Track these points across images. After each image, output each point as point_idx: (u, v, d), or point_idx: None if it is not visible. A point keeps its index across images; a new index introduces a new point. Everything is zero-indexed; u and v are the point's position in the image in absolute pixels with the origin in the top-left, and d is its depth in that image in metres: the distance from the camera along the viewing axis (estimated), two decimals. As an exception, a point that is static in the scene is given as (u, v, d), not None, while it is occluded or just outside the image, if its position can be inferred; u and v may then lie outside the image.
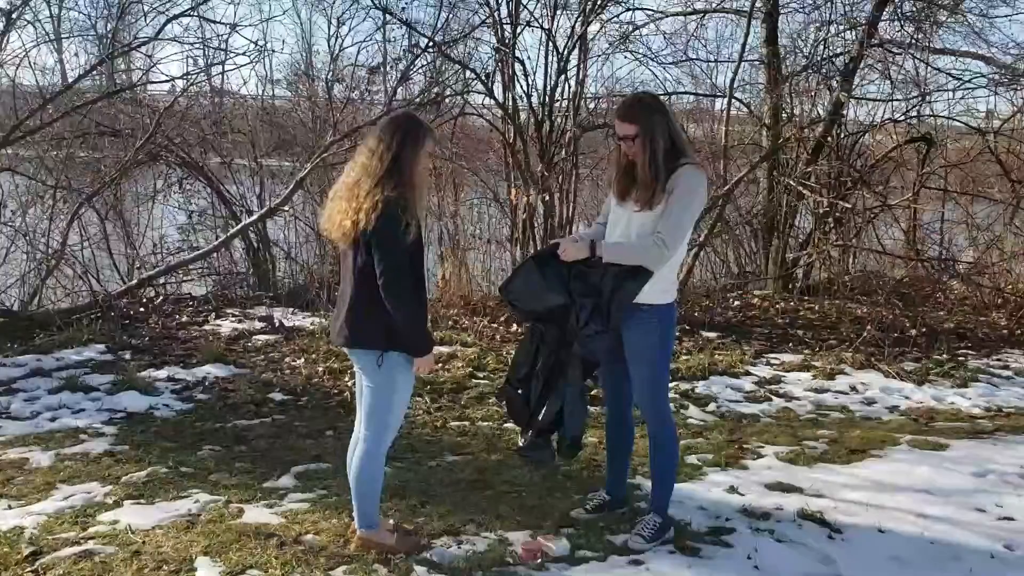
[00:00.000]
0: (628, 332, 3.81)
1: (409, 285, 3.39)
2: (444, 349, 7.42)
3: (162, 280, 9.50)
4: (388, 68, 10.76)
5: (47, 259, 8.83)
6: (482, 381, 6.65)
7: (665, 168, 3.60)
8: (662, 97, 11.12)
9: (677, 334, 8.26)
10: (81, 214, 9.37)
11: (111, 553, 3.65)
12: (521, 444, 3.82)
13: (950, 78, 10.66)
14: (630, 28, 10.42)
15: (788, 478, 4.80)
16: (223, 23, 10.46)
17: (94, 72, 9.84)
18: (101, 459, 4.90)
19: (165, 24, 9.04)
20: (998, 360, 8.03)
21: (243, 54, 13.36)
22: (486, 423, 5.76)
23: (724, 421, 6.08)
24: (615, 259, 3.67)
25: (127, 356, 7.06)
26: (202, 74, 10.82)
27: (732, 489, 4.61)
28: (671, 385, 6.70)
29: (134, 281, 9.05)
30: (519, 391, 3.83)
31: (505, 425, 5.72)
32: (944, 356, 8.00)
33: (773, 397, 6.68)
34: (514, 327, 8.30)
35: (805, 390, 6.88)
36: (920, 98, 10.60)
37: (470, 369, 6.88)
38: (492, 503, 4.33)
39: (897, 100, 10.78)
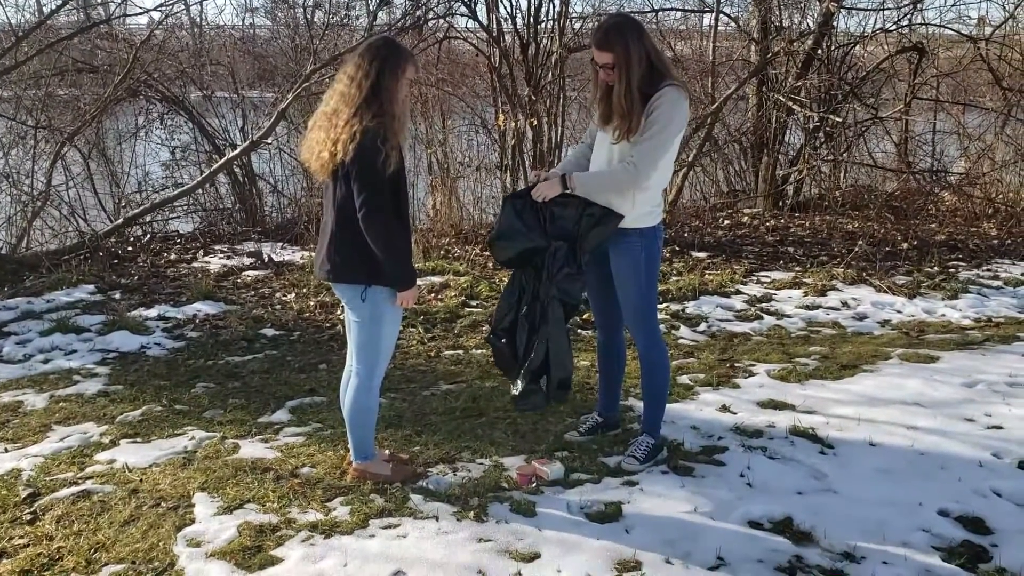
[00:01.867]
0: (615, 257, 3.79)
1: (390, 217, 3.33)
2: (436, 279, 7.41)
3: (148, 218, 9.44)
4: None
5: (32, 201, 8.73)
6: (475, 309, 6.64)
7: (643, 95, 3.52)
8: (647, 15, 10.95)
9: (667, 255, 8.27)
10: (64, 154, 9.23)
11: (109, 492, 3.68)
12: (514, 393, 3.82)
13: (942, -15, 10.46)
14: (615, -57, 10.15)
15: (780, 395, 4.84)
16: (196, -49, 10.14)
17: (68, 6, 9.58)
18: (95, 399, 4.91)
19: (137, -47, 8.78)
20: (988, 270, 8.05)
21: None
22: (479, 351, 5.77)
23: (715, 340, 6.10)
24: (587, 190, 3.64)
25: (117, 296, 7.04)
26: (178, 4, 10.54)
27: (724, 408, 4.65)
28: (662, 306, 6.74)
29: (120, 220, 8.96)
30: (503, 340, 3.81)
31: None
32: (935, 268, 8.03)
33: (764, 315, 6.70)
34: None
35: (796, 307, 6.90)
36: (911, 6, 10.40)
37: (463, 298, 6.87)
38: (486, 430, 4.36)
39: (888, 9, 10.59)
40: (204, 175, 9.40)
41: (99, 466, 3.98)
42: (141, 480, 3.80)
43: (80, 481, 3.80)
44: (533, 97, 8.84)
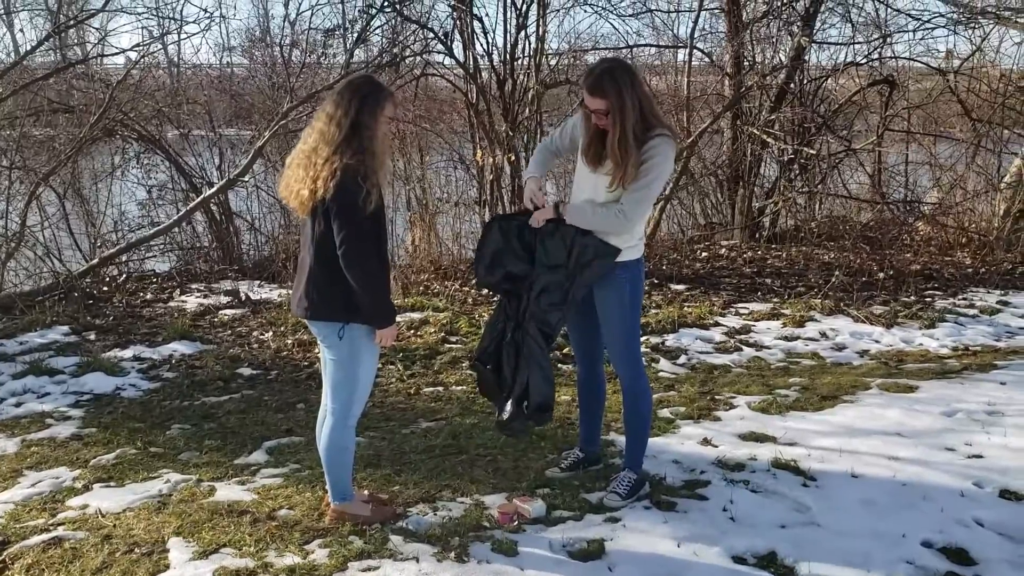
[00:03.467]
0: (599, 290, 3.79)
1: (370, 255, 3.31)
2: (416, 315, 7.37)
3: (124, 257, 9.36)
4: (345, 30, 10.56)
5: (7, 241, 8.63)
6: (455, 345, 6.61)
7: (636, 142, 3.52)
8: (623, 50, 11.08)
9: (646, 288, 8.27)
10: (39, 194, 9.15)
11: (81, 538, 3.60)
12: (500, 419, 3.79)
13: (910, 19, 10.68)
14: (589, -19, 10.28)
15: (761, 427, 4.82)
16: (173, -8, 10.17)
17: (44, 46, 9.57)
18: (68, 443, 4.82)
19: (114, -7, 8.79)
20: (964, 299, 8.12)
21: (194, 22, 13.02)
22: (460, 387, 5.73)
23: (695, 373, 6.10)
24: (576, 222, 3.65)
25: (92, 337, 6.95)
26: (155, 44, 10.55)
27: (706, 441, 4.63)
28: (641, 339, 6.73)
29: (96, 260, 8.88)
30: (488, 366, 3.79)
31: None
32: (912, 298, 8.08)
33: (743, 347, 6.70)
34: (485, 291, 8.26)
35: (775, 338, 6.92)
36: (881, 40, 10.60)
37: (442, 334, 6.83)
38: (467, 467, 4.32)
39: (858, 43, 10.79)
40: (181, 213, 9.35)
41: (71, 512, 3.90)
42: (114, 525, 3.72)
43: (51, 528, 3.72)
44: (510, 132, 8.89)
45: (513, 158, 8.77)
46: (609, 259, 3.67)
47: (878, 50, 10.67)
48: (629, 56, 11.30)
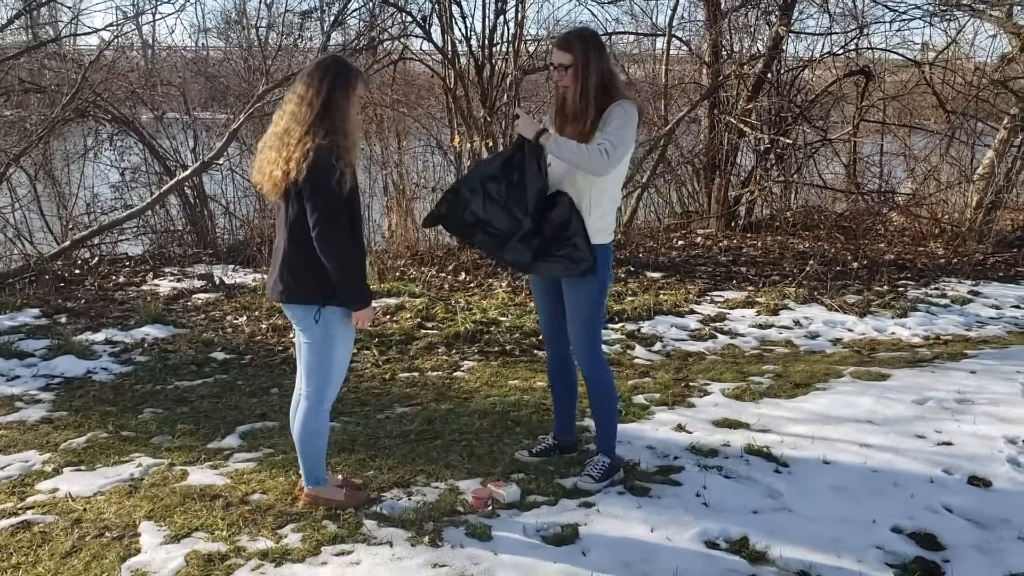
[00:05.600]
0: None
1: (344, 236, 3.29)
2: (392, 300, 7.34)
3: (96, 240, 9.25)
4: (322, 12, 10.47)
5: (-25, 223, 8.53)
6: (431, 331, 6.59)
7: (596, 105, 3.57)
8: (602, 37, 11.07)
9: (622, 275, 8.31)
10: (9, 175, 9.02)
11: (50, 522, 3.56)
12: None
13: (886, 10, 10.73)
14: (568, -33, 10.24)
15: (735, 414, 4.85)
16: (147, -29, 10.04)
17: (15, 25, 9.41)
18: (38, 426, 4.76)
19: (85, -28, 8.65)
20: (936, 289, 8.20)
21: (169, 2, 12.80)
22: (435, 373, 5.72)
23: (670, 360, 6.12)
24: (556, 151, 3.55)
25: (63, 320, 6.87)
26: (128, 24, 10.39)
27: (680, 427, 4.65)
28: (616, 326, 6.76)
29: (67, 242, 8.77)
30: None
31: (455, 374, 5.70)
32: (885, 287, 8.15)
33: (718, 334, 6.73)
34: (462, 275, 8.26)
35: (749, 326, 6.95)
36: (858, 31, 10.64)
37: (418, 320, 6.81)
38: (441, 452, 4.31)
39: (835, 34, 10.83)
40: (154, 196, 9.24)
41: (41, 495, 3.85)
42: (85, 509, 3.68)
43: (20, 511, 3.67)
44: (488, 118, 8.85)
45: (491, 143, 8.74)
46: (575, 268, 3.67)
47: (855, 41, 10.74)
48: (608, 44, 11.29)
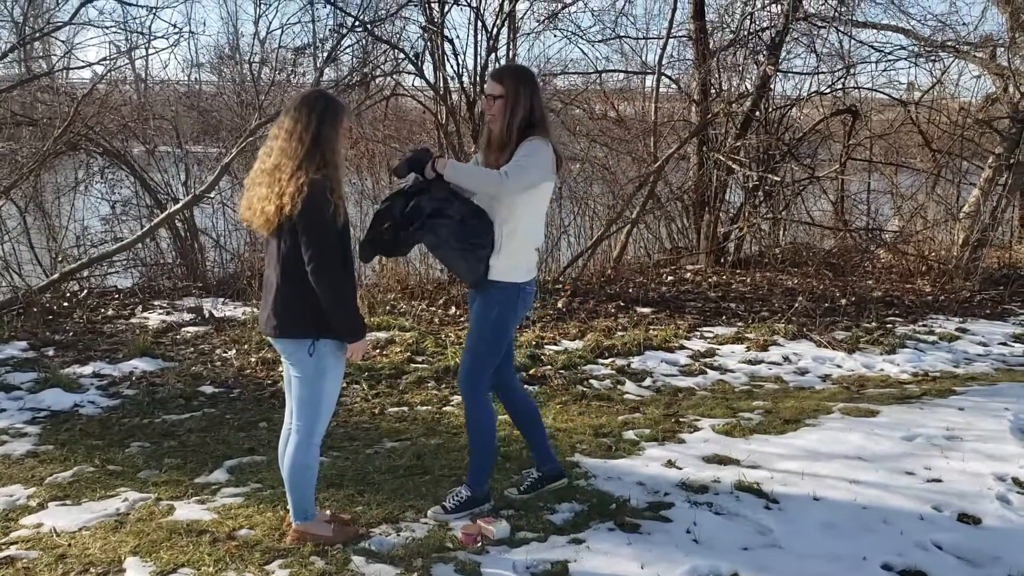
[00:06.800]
0: (476, 302, 3.85)
1: (339, 269, 3.32)
2: (382, 335, 7.33)
3: (86, 273, 9.20)
4: (315, 49, 10.55)
5: (-36, 255, 8.50)
6: (421, 365, 6.58)
7: (519, 139, 3.66)
8: (592, 75, 11.20)
9: (612, 310, 8.32)
10: (-1, 207, 9.02)
11: (34, 558, 3.52)
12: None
13: (873, 51, 10.88)
14: (559, 6, 10.37)
15: (725, 450, 4.85)
16: (142, 5, 10.12)
17: (8, 58, 9.45)
18: (24, 460, 4.72)
19: (81, 6, 8.74)
20: (924, 326, 8.25)
21: (163, 37, 12.94)
22: (425, 407, 5.71)
23: (660, 395, 6.12)
24: (455, 176, 3.61)
25: (50, 352, 6.83)
26: (122, 58, 10.45)
27: (670, 463, 4.64)
28: (607, 361, 6.77)
29: (56, 275, 8.74)
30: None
31: (444, 408, 5.68)
32: (873, 324, 8.19)
33: (708, 370, 6.75)
34: (453, 310, 8.26)
35: (739, 362, 6.97)
36: (845, 71, 10.80)
37: (408, 353, 6.80)
38: (431, 488, 4.28)
39: (822, 73, 10.98)
40: (145, 229, 9.23)
41: (25, 530, 3.81)
42: (70, 544, 3.64)
43: (4, 547, 3.63)
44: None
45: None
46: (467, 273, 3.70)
47: (842, 80, 10.90)
48: (598, 81, 11.42)
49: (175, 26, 13.46)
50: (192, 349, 7.04)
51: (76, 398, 5.79)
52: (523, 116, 3.66)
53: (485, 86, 3.78)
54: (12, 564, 3.47)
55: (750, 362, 6.98)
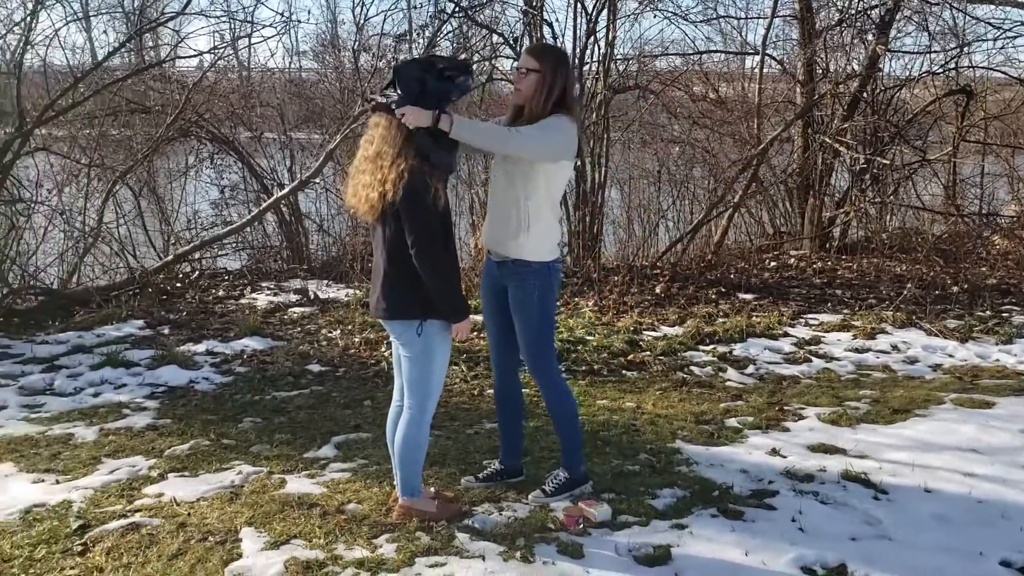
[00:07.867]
0: (511, 291, 3.82)
1: (441, 252, 3.38)
2: (478, 317, 7.37)
3: (197, 255, 9.58)
4: (415, 35, 10.67)
5: (84, 237, 8.91)
6: (518, 348, 6.62)
7: (543, 110, 3.63)
8: (693, 56, 11.03)
9: (713, 296, 8.21)
10: (116, 191, 9.42)
11: (157, 525, 3.70)
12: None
13: (989, 27, 10.40)
14: (659, -14, 10.22)
15: (831, 439, 4.75)
16: (248, -5, 10.36)
17: (123, 49, 9.85)
18: (144, 432, 4.95)
19: (191, -2, 8.99)
20: (1043, 315, 7.87)
21: (269, 26, 13.28)
22: (524, 391, 5.73)
23: (763, 383, 6.02)
24: (459, 132, 3.42)
25: (166, 331, 7.13)
26: (229, 48, 10.79)
27: (774, 451, 4.57)
28: (708, 348, 6.68)
29: (170, 257, 9.12)
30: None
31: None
32: (987, 312, 7.87)
33: (813, 358, 6.60)
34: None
35: (845, 350, 6.80)
36: (959, 49, 10.36)
37: (505, 336, 6.84)
38: (531, 469, 4.32)
39: (935, 52, 10.57)
40: (252, 214, 9.54)
41: (148, 499, 4.00)
42: (189, 514, 3.81)
43: (129, 514, 3.82)
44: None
45: (579, 163, 8.76)
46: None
47: (955, 59, 10.45)
48: (698, 62, 11.24)
49: (282, 15, 13.81)
50: (299, 329, 7.25)
51: (191, 375, 6.04)
52: (557, 95, 3.65)
53: (521, 59, 3.77)
54: (138, 530, 3.65)
55: (857, 350, 6.79)
